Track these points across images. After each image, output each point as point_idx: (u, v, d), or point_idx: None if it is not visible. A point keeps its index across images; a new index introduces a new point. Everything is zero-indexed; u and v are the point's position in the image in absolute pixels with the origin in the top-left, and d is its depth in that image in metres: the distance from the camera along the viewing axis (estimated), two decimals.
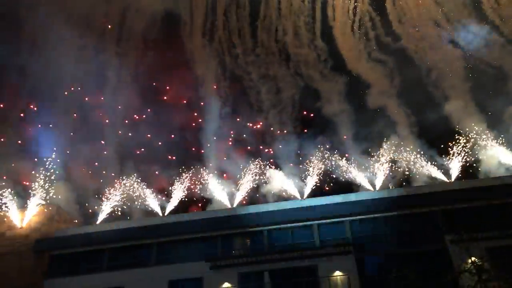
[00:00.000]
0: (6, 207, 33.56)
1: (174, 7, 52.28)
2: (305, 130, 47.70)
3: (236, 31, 53.02)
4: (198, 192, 40.55)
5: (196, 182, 40.19)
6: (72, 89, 48.66)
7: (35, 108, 46.52)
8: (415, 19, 49.80)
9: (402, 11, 50.16)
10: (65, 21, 47.65)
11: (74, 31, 48.16)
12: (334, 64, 50.35)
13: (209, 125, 48.84)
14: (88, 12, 50.25)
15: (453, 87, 43.51)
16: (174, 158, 47.47)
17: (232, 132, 50.62)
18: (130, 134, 49.14)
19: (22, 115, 45.75)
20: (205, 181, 39.93)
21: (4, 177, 34.98)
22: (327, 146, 41.84)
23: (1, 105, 45.12)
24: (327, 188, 40.07)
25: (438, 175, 35.25)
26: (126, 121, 49.43)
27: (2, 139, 42.50)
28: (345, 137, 43.96)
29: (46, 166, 36.78)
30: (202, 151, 46.86)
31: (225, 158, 46.87)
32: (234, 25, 53.00)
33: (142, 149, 48.29)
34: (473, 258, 23.68)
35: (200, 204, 42.42)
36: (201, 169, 40.82)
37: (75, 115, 47.50)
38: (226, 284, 28.25)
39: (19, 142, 43.47)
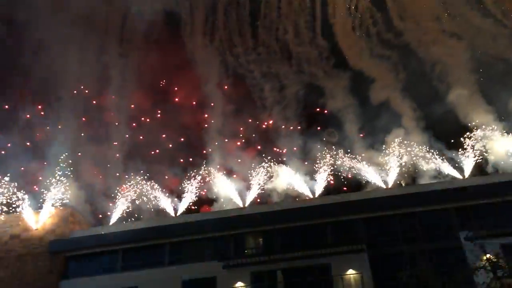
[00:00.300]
0: (19, 209, 34.07)
1: (174, 7, 52.56)
2: (318, 128, 47.54)
3: (237, 30, 53.06)
4: (207, 192, 40.70)
5: (206, 182, 40.34)
6: (82, 87, 49.06)
7: (42, 113, 46.82)
8: (416, 15, 49.38)
9: (403, 7, 49.84)
10: (68, 23, 48.02)
11: (77, 32, 48.59)
12: (337, 61, 50.23)
13: (216, 125, 48.96)
14: (89, 13, 50.56)
15: (458, 80, 43.00)
16: (188, 159, 47.63)
17: (240, 131, 50.67)
18: (140, 136, 49.46)
19: (28, 116, 46.06)
20: (215, 181, 40.07)
21: (14, 183, 35.28)
22: (335, 140, 41.80)
23: (6, 106, 45.46)
24: (344, 189, 39.80)
25: (451, 171, 34.89)
26: (134, 124, 49.71)
27: (9, 144, 42.79)
28: (361, 135, 43.67)
29: (57, 168, 37.12)
30: (210, 150, 47.05)
31: (233, 158, 46.98)
32: (235, 24, 53.05)
33: (157, 150, 48.52)
34: (488, 255, 23.45)
35: (207, 208, 42.44)
36: (211, 169, 40.98)
37: (84, 119, 47.82)
38: (239, 284, 28.32)
39: (28, 144, 43.82)
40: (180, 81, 53.40)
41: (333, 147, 40.02)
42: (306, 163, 41.49)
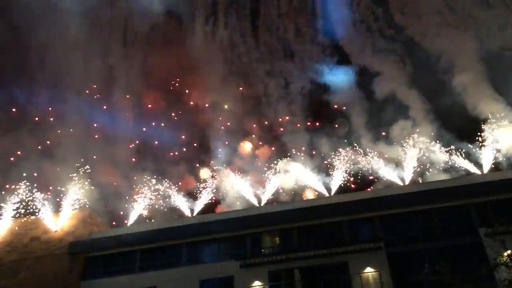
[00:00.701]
0: (38, 211, 34.59)
1: (175, 7, 52.85)
2: (336, 126, 47.30)
3: (238, 29, 53.19)
4: (222, 192, 40.83)
5: (220, 182, 40.50)
6: (95, 86, 49.43)
7: (51, 118, 47.29)
8: (417, 10, 48.92)
9: (403, 3, 49.44)
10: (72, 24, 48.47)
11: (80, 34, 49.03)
12: (340, 57, 50.09)
13: (225, 124, 49.05)
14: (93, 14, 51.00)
15: (466, 71, 42.35)
16: (201, 160, 47.87)
17: (252, 131, 50.70)
18: (153, 137, 49.78)
19: (37, 119, 46.47)
20: (229, 181, 40.19)
21: (27, 184, 35.72)
22: (346, 130, 41.45)
23: (14, 110, 45.87)
24: (368, 190, 39.32)
25: (469, 167, 34.41)
26: (144, 129, 50.04)
27: (19, 152, 43.26)
28: (383, 133, 43.30)
29: (73, 170, 37.58)
30: (221, 150, 47.15)
31: (247, 158, 47.07)
32: (235, 24, 53.17)
33: (176, 152, 48.75)
34: (508, 251, 23.18)
35: (220, 208, 42.61)
36: (224, 170, 41.16)
37: (95, 124, 48.21)
38: (257, 283, 28.41)
39: (39, 147, 44.28)
40: (182, 81, 53.61)
41: (347, 141, 39.77)
42: (326, 162, 41.18)
